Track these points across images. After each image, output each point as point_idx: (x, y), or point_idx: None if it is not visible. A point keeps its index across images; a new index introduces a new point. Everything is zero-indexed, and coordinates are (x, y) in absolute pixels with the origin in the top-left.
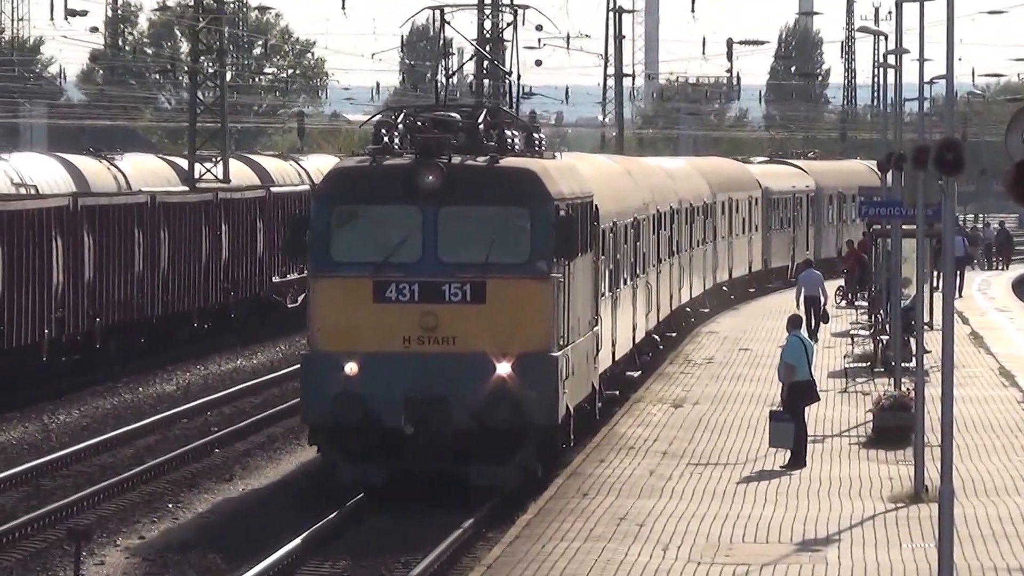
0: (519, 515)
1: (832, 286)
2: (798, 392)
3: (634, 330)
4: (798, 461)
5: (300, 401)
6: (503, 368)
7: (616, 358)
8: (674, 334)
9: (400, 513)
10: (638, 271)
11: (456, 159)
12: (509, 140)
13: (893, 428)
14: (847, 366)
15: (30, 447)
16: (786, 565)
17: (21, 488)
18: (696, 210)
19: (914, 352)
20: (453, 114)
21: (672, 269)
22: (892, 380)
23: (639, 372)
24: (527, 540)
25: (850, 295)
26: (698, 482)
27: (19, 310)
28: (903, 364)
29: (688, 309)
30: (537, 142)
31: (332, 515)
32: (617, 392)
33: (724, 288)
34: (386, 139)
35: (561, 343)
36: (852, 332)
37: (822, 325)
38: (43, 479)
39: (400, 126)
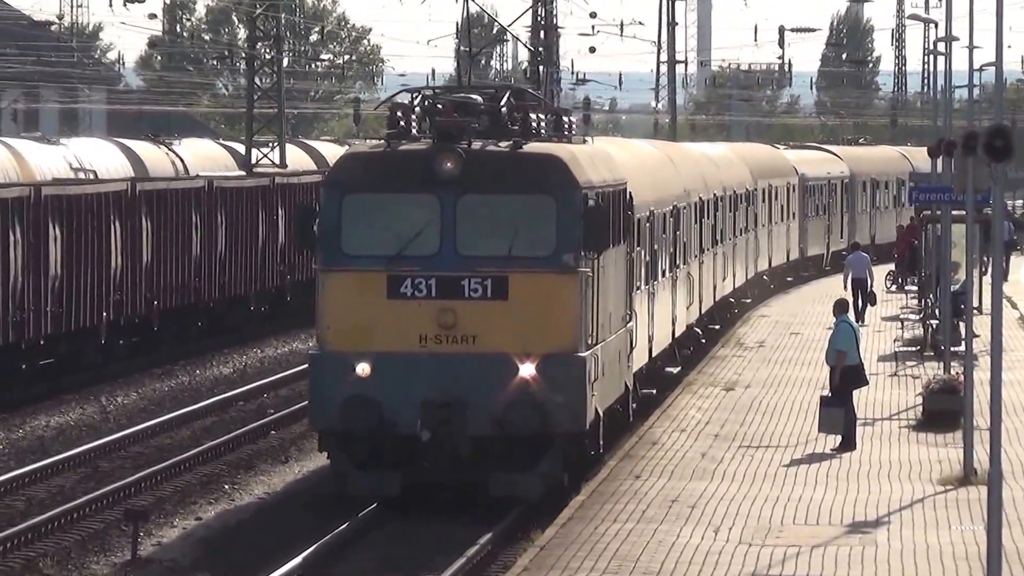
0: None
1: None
2: (848, 377)
3: (673, 324)
4: (848, 445)
5: (308, 405)
6: (527, 370)
7: (653, 355)
8: (717, 326)
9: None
10: (678, 262)
11: (477, 144)
12: (534, 124)
13: (942, 411)
14: (897, 350)
15: (88, 429)
16: (836, 547)
17: (80, 469)
18: (739, 197)
19: (963, 336)
20: (474, 96)
21: (715, 259)
22: (941, 364)
23: (679, 368)
24: (580, 521)
25: (900, 280)
26: (749, 464)
27: (78, 293)
28: (952, 348)
29: (732, 300)
30: (567, 126)
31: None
32: (654, 391)
33: (765, 277)
34: (402, 123)
35: (590, 342)
36: (902, 316)
37: (869, 307)
38: (101, 461)
39: (417, 109)
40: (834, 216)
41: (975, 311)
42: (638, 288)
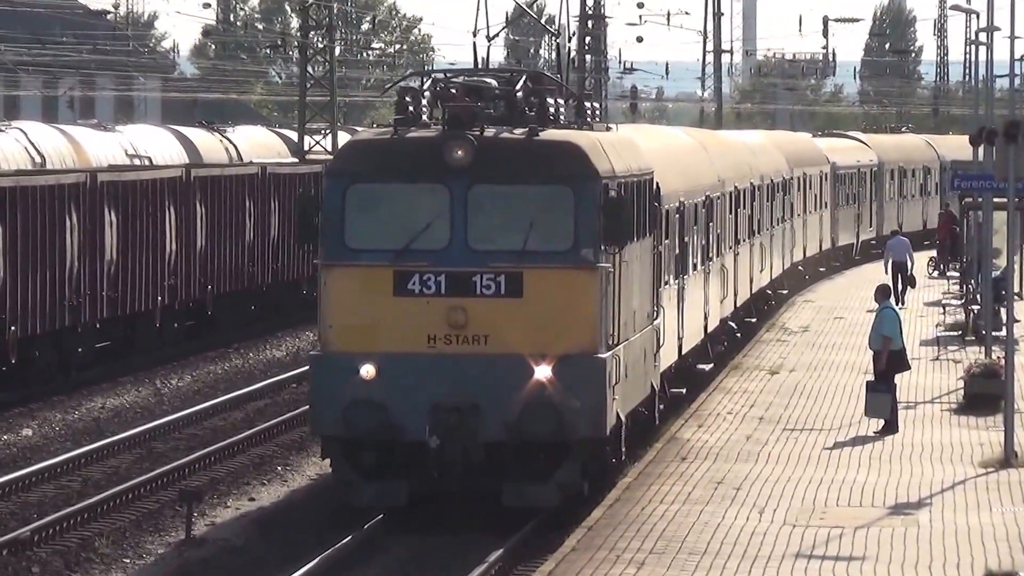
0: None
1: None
2: (892, 361)
3: (705, 319)
4: (891, 428)
5: (309, 408)
6: (542, 372)
7: (683, 352)
8: (754, 319)
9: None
10: (711, 254)
11: (490, 131)
12: (552, 109)
13: (983, 395)
14: (939, 335)
15: (143, 411)
16: (879, 528)
17: (135, 451)
18: (776, 186)
19: (1004, 321)
20: (488, 80)
21: (752, 250)
22: (982, 348)
23: (711, 365)
24: (627, 503)
25: (942, 266)
26: (793, 447)
27: (133, 277)
28: (993, 333)
29: (769, 292)
30: (589, 112)
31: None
32: (684, 390)
33: (800, 268)
34: (412, 108)
35: (611, 342)
36: (944, 302)
37: (910, 290)
38: (156, 442)
39: (427, 93)
40: (863, 205)
41: (1016, 297)
42: (666, 283)
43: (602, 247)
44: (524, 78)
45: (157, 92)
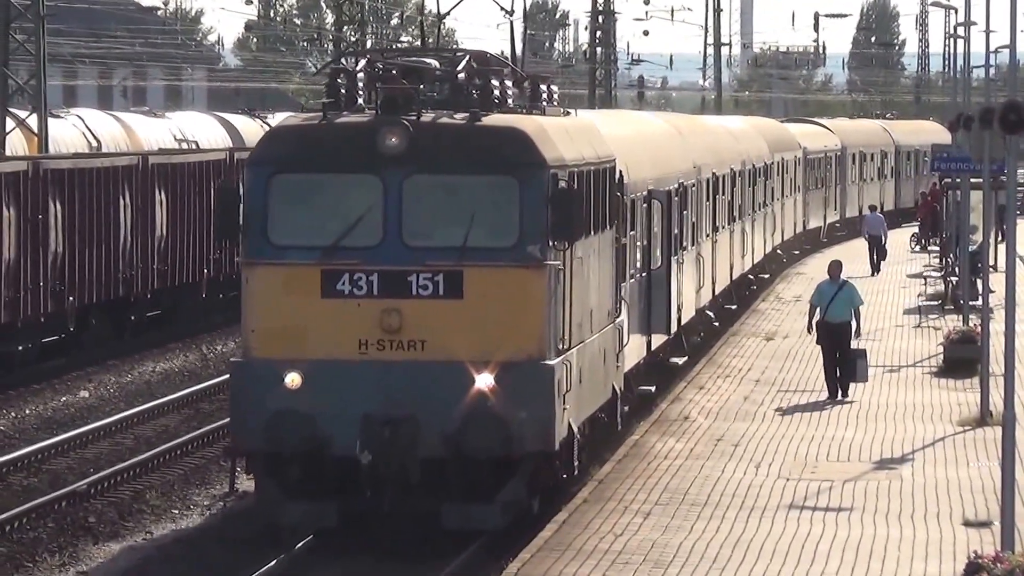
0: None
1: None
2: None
3: (679, 311)
4: (844, 394)
5: (229, 421)
6: (484, 381)
7: (653, 347)
8: (735, 306)
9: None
10: (685, 244)
11: (428, 116)
12: (497, 92)
13: (961, 359)
14: (921, 304)
15: (190, 374)
16: (865, 481)
17: (183, 411)
18: (758, 172)
19: (980, 292)
20: (429, 60)
21: (733, 237)
22: (961, 316)
23: (686, 358)
24: (634, 457)
25: (924, 241)
26: (787, 407)
27: (181, 252)
28: (970, 302)
29: (751, 277)
30: (545, 95)
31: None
32: (653, 388)
33: (778, 252)
34: (344, 90)
35: (561, 346)
36: (925, 274)
37: (883, 261)
38: (202, 403)
39: (361, 74)
40: (830, 188)
41: (991, 269)
42: (633, 277)
43: (551, 243)
44: (467, 58)
45: (203, 82)
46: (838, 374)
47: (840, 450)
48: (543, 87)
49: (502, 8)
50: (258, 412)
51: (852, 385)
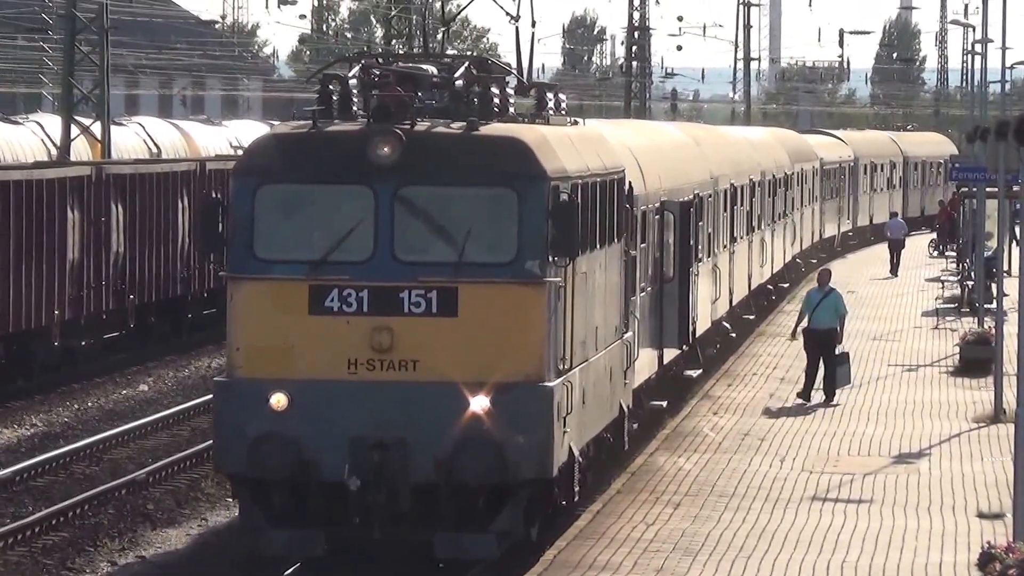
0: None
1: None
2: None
3: (693, 324)
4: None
5: (212, 443)
6: (479, 403)
7: (664, 362)
8: (752, 316)
9: None
10: (700, 255)
11: (423, 125)
12: (497, 100)
13: (976, 359)
14: (938, 307)
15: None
16: (885, 475)
17: None
18: (778, 182)
19: (995, 295)
20: (425, 66)
21: (751, 247)
22: (976, 319)
23: (700, 371)
24: (664, 452)
25: (941, 247)
26: (810, 403)
27: None
28: (985, 305)
29: (770, 287)
30: (552, 104)
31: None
32: (665, 403)
33: (797, 260)
34: (335, 97)
35: (561, 367)
36: (942, 278)
37: (899, 265)
38: None
39: (354, 80)
40: (843, 199)
41: (1005, 273)
42: (643, 290)
43: (551, 258)
44: (467, 64)
45: (259, 92)
46: (823, 378)
47: (861, 445)
48: (549, 95)
49: (507, 13)
50: (242, 434)
51: (839, 389)
